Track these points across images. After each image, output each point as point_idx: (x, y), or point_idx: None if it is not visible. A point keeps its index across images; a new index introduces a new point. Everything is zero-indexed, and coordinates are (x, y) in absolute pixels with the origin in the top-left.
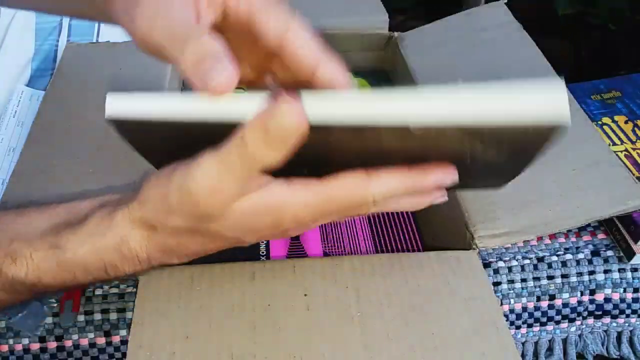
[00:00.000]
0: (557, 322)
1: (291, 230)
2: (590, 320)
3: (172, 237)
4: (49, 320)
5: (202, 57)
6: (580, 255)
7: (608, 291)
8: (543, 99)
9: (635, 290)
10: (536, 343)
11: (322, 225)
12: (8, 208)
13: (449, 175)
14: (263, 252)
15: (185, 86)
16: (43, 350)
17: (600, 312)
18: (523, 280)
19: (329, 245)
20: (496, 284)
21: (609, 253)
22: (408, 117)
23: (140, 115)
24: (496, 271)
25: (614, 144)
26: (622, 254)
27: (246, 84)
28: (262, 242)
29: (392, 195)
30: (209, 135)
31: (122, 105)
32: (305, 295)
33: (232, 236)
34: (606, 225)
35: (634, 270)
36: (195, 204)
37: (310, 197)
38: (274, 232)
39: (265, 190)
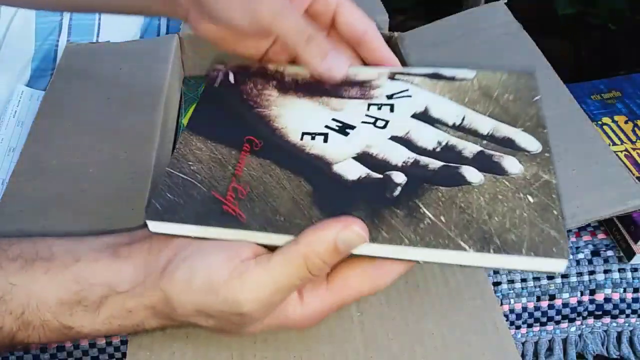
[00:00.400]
0: (557, 322)
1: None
2: (590, 320)
3: (193, 325)
4: None
5: (326, 53)
6: (580, 255)
7: (608, 291)
8: (547, 267)
9: (635, 290)
10: (536, 343)
11: None
12: (7, 236)
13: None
14: None
15: (185, 84)
16: (43, 350)
17: (600, 312)
18: (523, 280)
19: None
20: (496, 284)
21: (609, 253)
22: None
23: (179, 233)
24: (496, 271)
25: (614, 144)
26: (622, 254)
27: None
28: None
29: None
30: None
31: (162, 228)
32: None
33: (249, 332)
34: (606, 225)
35: (634, 270)
36: (241, 315)
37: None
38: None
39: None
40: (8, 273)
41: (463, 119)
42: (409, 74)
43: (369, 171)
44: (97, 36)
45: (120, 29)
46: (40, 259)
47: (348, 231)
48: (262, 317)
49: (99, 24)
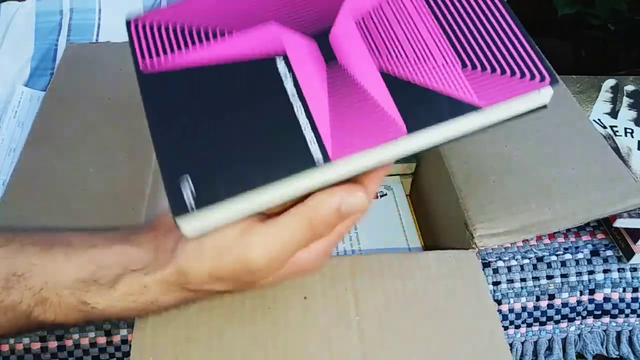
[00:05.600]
0: (557, 322)
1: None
2: (590, 320)
3: (206, 294)
4: None
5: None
6: (580, 255)
7: (607, 291)
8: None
9: (635, 290)
10: (535, 343)
11: None
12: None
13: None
14: None
15: None
16: (44, 349)
17: (599, 312)
18: (522, 279)
19: None
20: (495, 283)
21: (608, 253)
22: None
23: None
24: (495, 271)
25: None
26: (621, 254)
27: None
28: None
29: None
30: None
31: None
32: (305, 298)
33: (263, 286)
34: (605, 224)
35: (633, 270)
36: (252, 273)
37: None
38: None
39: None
40: (29, 254)
41: None
42: None
43: None
44: (97, 36)
45: (120, 29)
46: (59, 244)
47: (352, 197)
48: (272, 273)
49: (99, 24)
